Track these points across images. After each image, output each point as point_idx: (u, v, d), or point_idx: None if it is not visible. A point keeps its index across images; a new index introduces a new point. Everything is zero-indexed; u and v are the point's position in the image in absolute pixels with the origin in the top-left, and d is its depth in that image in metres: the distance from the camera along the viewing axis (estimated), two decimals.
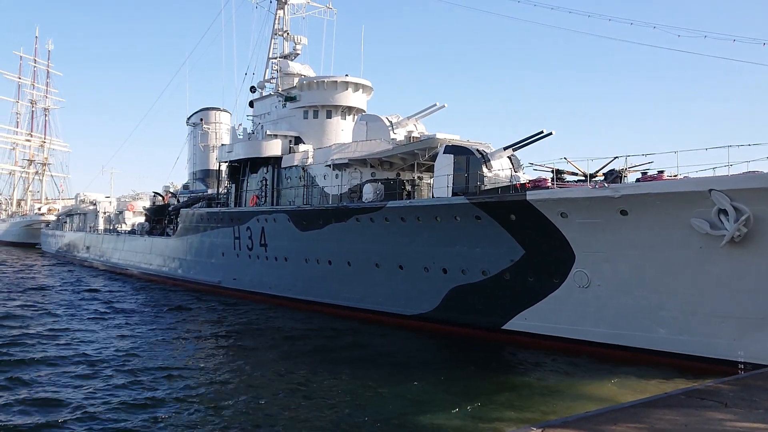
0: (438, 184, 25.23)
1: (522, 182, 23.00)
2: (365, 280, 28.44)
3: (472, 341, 23.89)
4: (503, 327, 23.74)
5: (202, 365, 19.29)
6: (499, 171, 24.77)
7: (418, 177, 30.58)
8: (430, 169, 28.66)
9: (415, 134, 30.17)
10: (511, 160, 25.68)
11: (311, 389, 16.61)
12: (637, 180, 20.87)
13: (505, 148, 25.23)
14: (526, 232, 22.32)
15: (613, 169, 22.24)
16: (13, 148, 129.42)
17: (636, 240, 20.18)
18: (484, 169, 24.31)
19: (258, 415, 14.27)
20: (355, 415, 14.51)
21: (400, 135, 30.57)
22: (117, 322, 26.85)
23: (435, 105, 31.45)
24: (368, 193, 28.51)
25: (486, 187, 23.79)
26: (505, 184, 23.59)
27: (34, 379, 16.80)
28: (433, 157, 26.61)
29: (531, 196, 21.43)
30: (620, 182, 21.53)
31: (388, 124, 30.97)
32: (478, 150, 25.18)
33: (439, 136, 27.51)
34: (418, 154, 28.14)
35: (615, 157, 22.09)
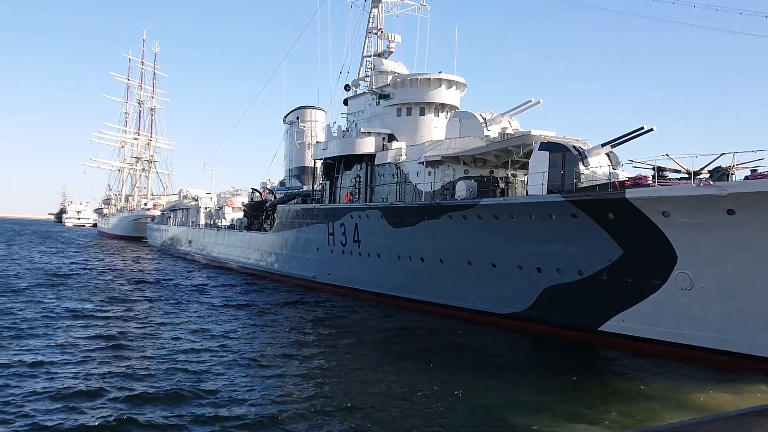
0: (533, 181, 24.85)
1: (621, 180, 22.31)
2: (457, 277, 28.38)
3: (567, 342, 23.43)
4: (600, 329, 23.14)
5: (293, 359, 19.76)
6: (596, 168, 24.13)
7: (512, 174, 30.21)
8: (524, 167, 28.26)
9: (509, 131, 29.80)
10: (609, 157, 24.95)
11: (403, 387, 16.72)
12: (746, 178, 19.85)
13: (603, 145, 24.53)
14: (625, 231, 21.67)
15: (719, 167, 21.21)
16: (122, 146, 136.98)
17: (744, 241, 19.21)
18: (581, 167, 23.74)
19: (350, 412, 14.50)
20: (448, 415, 14.51)
21: (493, 132, 30.28)
22: (226, 317, 27.83)
23: (530, 101, 30.96)
24: (461, 190, 28.42)
25: (583, 185, 23.23)
26: (603, 182, 22.96)
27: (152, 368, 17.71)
28: (528, 154, 26.22)
29: (631, 194, 20.78)
30: (727, 180, 20.55)
31: (481, 120, 30.74)
32: (574, 147, 24.62)
33: (534, 132, 27.07)
34: (512, 151, 27.78)
35: (721, 154, 21.09)
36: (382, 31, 43.67)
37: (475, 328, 26.00)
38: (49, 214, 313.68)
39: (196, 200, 76.45)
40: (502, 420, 14.16)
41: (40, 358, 17.81)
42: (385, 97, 37.63)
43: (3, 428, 12.21)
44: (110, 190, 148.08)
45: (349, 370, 18.44)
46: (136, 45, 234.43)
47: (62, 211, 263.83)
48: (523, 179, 29.61)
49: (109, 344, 20.27)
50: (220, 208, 68.76)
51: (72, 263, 52.96)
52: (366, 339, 23.61)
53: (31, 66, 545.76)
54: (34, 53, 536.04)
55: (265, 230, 48.66)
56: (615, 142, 24.33)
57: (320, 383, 16.64)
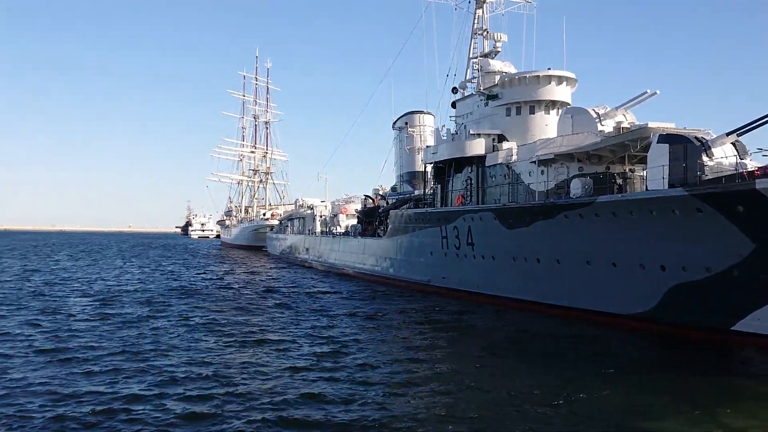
0: (652, 176, 23.86)
1: (750, 170, 21.01)
2: (576, 278, 27.66)
3: (696, 343, 22.29)
4: (733, 328, 21.87)
5: (415, 362, 19.90)
6: (721, 159, 22.86)
7: (630, 170, 29.12)
8: (642, 161, 27.16)
9: (624, 125, 28.72)
10: (735, 147, 23.56)
11: (525, 390, 16.47)
12: None
13: (728, 134, 23.18)
14: (757, 224, 20.39)
15: None
16: (240, 160, 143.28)
17: None
18: (704, 158, 22.57)
19: (474, 417, 14.45)
20: (574, 419, 14.18)
21: (608, 126, 29.30)
22: (351, 323, 28.39)
23: (645, 92, 29.69)
24: (576, 188, 27.71)
25: (707, 177, 22.08)
26: (729, 173, 21.70)
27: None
28: (646, 148, 25.18)
29: (762, 184, 19.54)
30: None
31: (594, 116, 29.84)
32: (696, 137, 23.43)
33: (651, 125, 25.98)
34: (629, 146, 26.79)
35: None
36: (487, 32, 43.31)
37: (596, 330, 25.24)
38: (176, 227, 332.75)
39: (312, 209, 78.61)
40: (629, 426, 13.65)
41: (177, 372, 18.60)
42: (494, 97, 37.31)
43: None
44: (231, 202, 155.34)
45: (472, 374, 18.30)
46: (250, 63, 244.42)
47: (188, 224, 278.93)
48: (641, 174, 28.48)
49: (245, 352, 20.83)
50: (335, 215, 70.34)
51: (199, 274, 55.75)
52: (486, 342, 23.39)
53: (158, 90, 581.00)
54: (163, 79, 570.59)
55: (378, 236, 49.37)
56: (741, 130, 22.94)
57: (447, 390, 16.60)
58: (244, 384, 16.56)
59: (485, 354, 21.31)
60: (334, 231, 66.39)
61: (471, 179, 37.10)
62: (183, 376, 17.32)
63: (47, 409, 14.15)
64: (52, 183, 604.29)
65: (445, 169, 40.18)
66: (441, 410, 14.50)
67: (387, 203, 53.75)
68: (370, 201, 59.11)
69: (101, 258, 79.61)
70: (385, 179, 68.24)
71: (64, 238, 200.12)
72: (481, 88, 39.47)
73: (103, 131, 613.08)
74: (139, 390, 15.77)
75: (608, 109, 30.29)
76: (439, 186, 41.46)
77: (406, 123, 56.00)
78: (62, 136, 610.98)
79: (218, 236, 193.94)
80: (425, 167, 45.75)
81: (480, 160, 36.35)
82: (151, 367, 18.33)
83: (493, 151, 35.97)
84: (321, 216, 74.39)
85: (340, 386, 16.53)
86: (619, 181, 28.52)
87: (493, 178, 35.41)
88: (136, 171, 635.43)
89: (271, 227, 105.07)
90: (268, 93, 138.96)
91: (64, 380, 16.64)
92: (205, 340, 22.67)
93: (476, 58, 43.17)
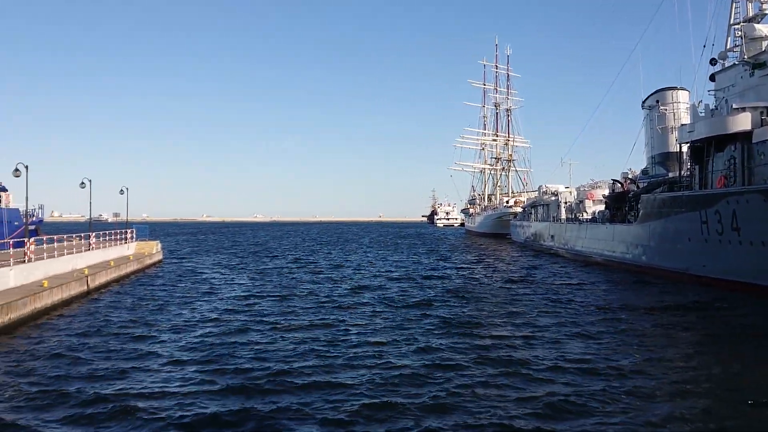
0: None
1: None
2: None
3: None
4: None
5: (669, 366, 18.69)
6: None
7: None
8: None
9: None
10: None
11: None
12: None
13: None
14: None
15: None
16: (482, 148, 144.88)
17: None
18: None
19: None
20: None
21: None
22: (615, 319, 27.39)
23: None
24: None
25: None
26: None
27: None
28: None
29: None
30: None
31: None
32: None
33: None
34: None
35: None
36: None
37: None
38: (422, 216, 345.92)
39: (556, 195, 77.08)
40: None
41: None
42: (761, 65, 33.56)
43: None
44: (474, 190, 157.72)
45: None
46: (489, 51, 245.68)
47: (433, 213, 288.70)
48: None
49: (503, 346, 19.81)
50: (581, 201, 68.21)
51: (454, 265, 57.40)
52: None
53: (408, 83, 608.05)
54: (413, 74, 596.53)
55: (629, 222, 46.98)
56: None
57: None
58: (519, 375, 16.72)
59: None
60: (580, 217, 64.52)
61: (735, 158, 33.73)
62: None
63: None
64: (311, 180, 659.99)
65: (703, 149, 36.99)
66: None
67: (637, 187, 50.88)
68: (619, 185, 56.33)
69: (360, 248, 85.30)
70: (634, 162, 64.69)
71: (322, 228, 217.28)
72: (746, 56, 35.67)
73: (356, 127, 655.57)
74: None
75: None
76: (697, 167, 38.28)
77: (657, 101, 52.39)
78: (314, 135, 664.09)
79: (462, 224, 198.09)
80: (680, 147, 42.53)
81: (745, 136, 32.89)
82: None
83: (762, 126, 32.35)
84: (566, 202, 72.60)
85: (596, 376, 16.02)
86: None
87: (762, 156, 31.85)
88: (384, 162, 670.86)
89: (515, 215, 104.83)
90: (508, 80, 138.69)
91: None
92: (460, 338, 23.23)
93: (738, 24, 39.07)
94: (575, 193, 74.78)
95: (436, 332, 21.89)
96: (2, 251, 32.00)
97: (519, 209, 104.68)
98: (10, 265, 26.94)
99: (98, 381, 15.42)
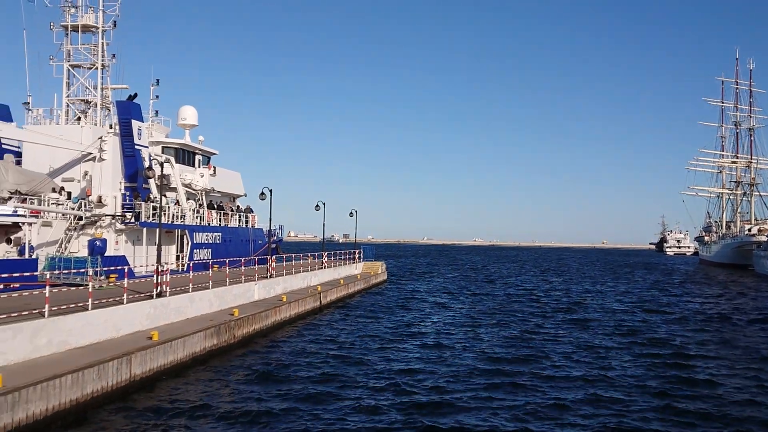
0: None
1: None
2: None
3: None
4: None
5: None
6: None
7: None
8: None
9: None
10: None
11: None
12: None
13: None
14: None
15: None
16: (720, 171, 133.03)
17: None
18: None
19: None
20: None
21: None
22: None
23: None
24: None
25: None
26: None
27: None
28: None
29: None
30: None
31: None
32: None
33: None
34: None
35: None
36: None
37: None
38: (650, 243, 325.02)
39: None
40: None
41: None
42: None
43: None
44: (709, 216, 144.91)
45: None
46: (729, 66, 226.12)
47: (662, 240, 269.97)
48: None
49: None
50: None
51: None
52: None
53: (632, 102, 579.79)
54: (640, 90, 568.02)
55: None
56: None
57: None
58: None
59: None
60: None
61: None
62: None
63: None
64: (531, 200, 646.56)
65: None
66: None
67: None
68: None
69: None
70: None
71: (539, 253, 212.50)
72: None
73: (568, 144, 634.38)
74: None
75: None
76: None
77: None
78: (530, 152, 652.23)
79: (695, 253, 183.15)
80: None
81: None
82: None
83: None
84: None
85: None
86: None
87: None
88: (608, 185, 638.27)
89: (759, 244, 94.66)
90: (751, 97, 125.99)
91: None
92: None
93: None
94: None
95: None
96: (249, 267, 35.61)
97: (764, 238, 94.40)
98: (255, 281, 29.96)
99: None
